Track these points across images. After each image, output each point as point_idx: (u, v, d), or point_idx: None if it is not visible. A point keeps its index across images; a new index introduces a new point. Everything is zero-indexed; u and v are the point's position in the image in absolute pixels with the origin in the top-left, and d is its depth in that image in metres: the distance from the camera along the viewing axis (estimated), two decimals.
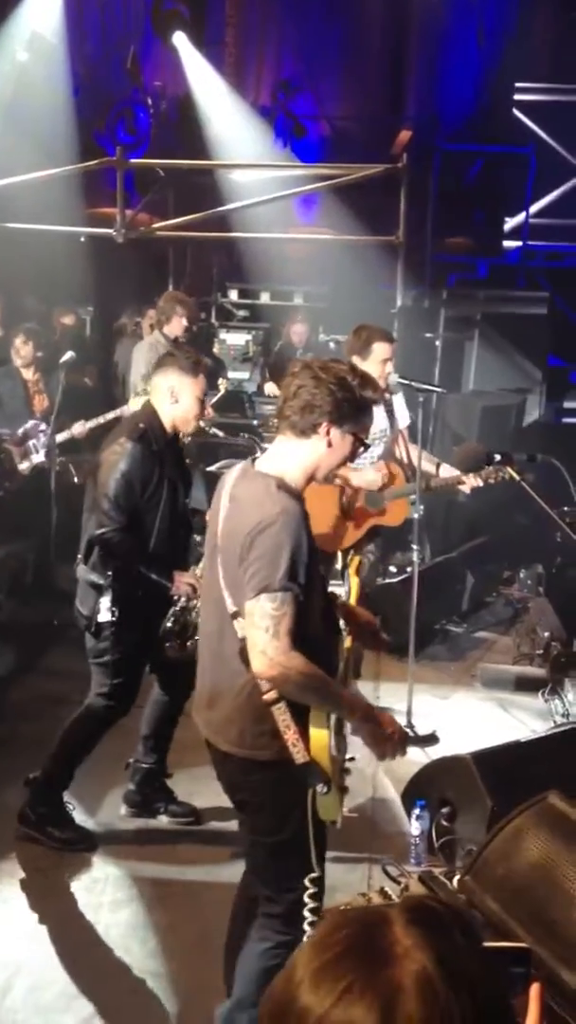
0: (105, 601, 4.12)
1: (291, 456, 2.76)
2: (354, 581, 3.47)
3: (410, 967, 0.99)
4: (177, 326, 7.43)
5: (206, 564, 2.87)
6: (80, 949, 3.60)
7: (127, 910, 3.83)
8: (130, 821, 4.44)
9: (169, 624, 4.08)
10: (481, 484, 4.93)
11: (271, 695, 2.61)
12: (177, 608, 4.09)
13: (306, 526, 2.66)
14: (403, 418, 5.35)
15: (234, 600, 2.67)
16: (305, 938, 2.56)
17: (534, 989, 1.35)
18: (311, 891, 2.67)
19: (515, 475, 3.25)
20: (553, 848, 3.40)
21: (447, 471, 5.20)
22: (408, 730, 5.30)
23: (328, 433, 2.72)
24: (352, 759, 2.88)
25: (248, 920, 3.11)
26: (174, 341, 7.51)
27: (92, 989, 3.40)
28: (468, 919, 1.10)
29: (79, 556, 4.29)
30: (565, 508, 5.59)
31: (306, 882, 2.68)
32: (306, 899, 2.68)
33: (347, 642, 3.06)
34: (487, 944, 1.16)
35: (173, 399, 4.07)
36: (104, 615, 4.12)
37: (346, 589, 3.50)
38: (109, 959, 3.55)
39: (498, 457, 3.30)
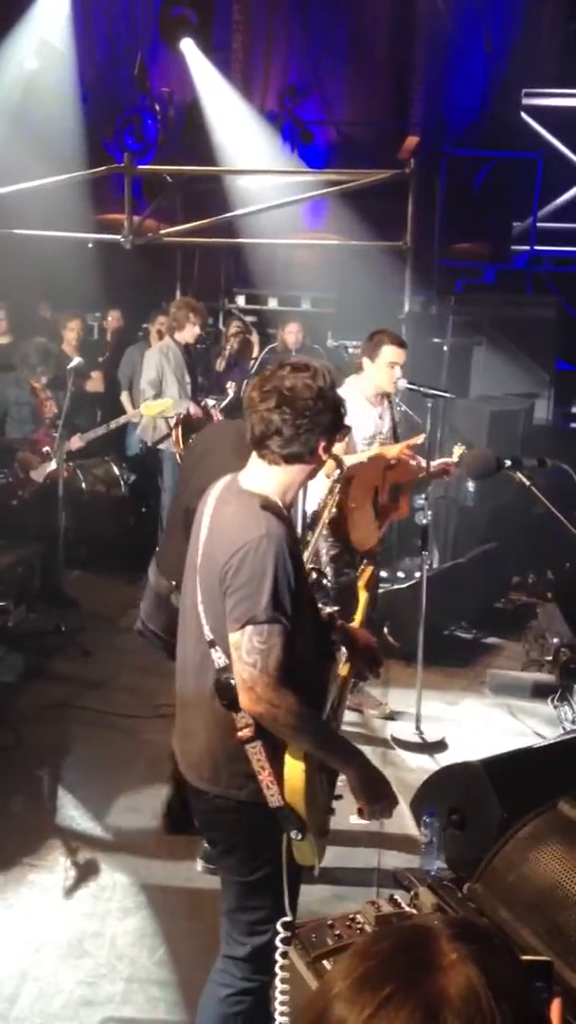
0: None
1: (283, 477, 2.60)
2: (363, 596, 3.33)
3: (456, 979, 0.97)
4: (190, 333, 7.45)
5: (185, 585, 2.69)
6: (87, 957, 3.57)
7: (135, 918, 3.80)
8: (137, 827, 4.42)
9: None
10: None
11: (246, 732, 2.44)
12: None
13: (291, 548, 2.48)
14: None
15: (212, 627, 2.51)
16: (277, 981, 2.41)
17: (556, 1004, 1.33)
18: (282, 935, 2.46)
19: (524, 480, 3.22)
20: (563, 856, 3.38)
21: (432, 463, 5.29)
22: (417, 736, 5.29)
23: (325, 449, 2.59)
24: (339, 797, 2.73)
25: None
26: (185, 347, 7.52)
27: (99, 998, 3.37)
28: (508, 937, 1.09)
29: (172, 583, 4.03)
30: None
31: (278, 926, 2.48)
32: (277, 943, 2.47)
33: (343, 669, 2.90)
34: None
35: None
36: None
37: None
38: (117, 968, 3.53)
39: (508, 462, 3.28)
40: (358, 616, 3.15)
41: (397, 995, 0.97)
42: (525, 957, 1.72)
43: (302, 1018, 1.05)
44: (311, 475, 2.68)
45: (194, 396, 7.51)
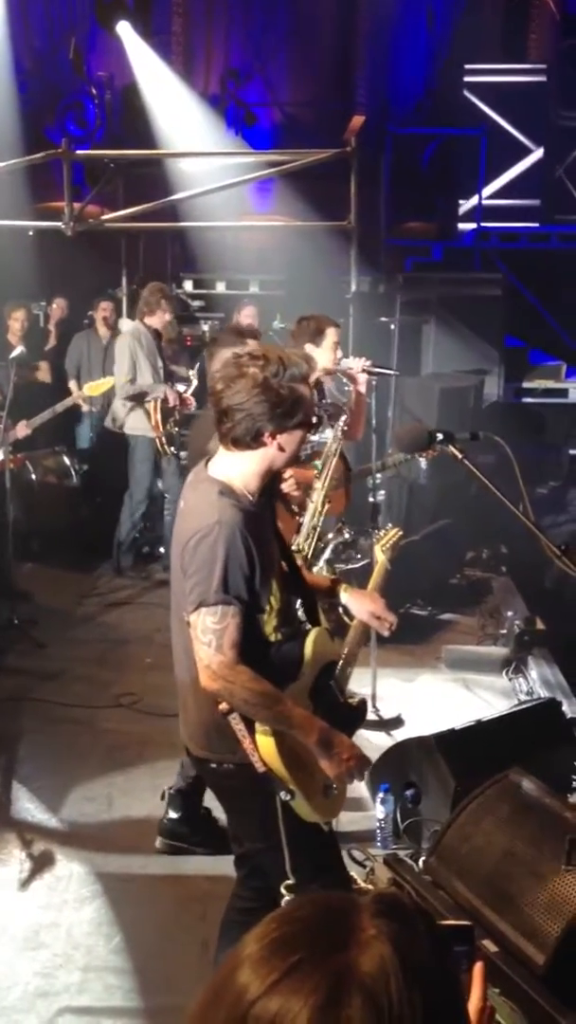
0: None
1: (240, 464, 2.65)
2: (380, 558, 3.31)
3: (370, 956, 0.94)
4: (160, 318, 7.40)
5: (171, 572, 2.82)
6: (43, 948, 3.55)
7: (90, 907, 3.78)
8: (92, 817, 4.40)
9: None
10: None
11: (224, 706, 2.57)
12: None
13: (252, 533, 2.56)
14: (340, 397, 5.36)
15: (186, 609, 2.64)
16: None
17: (478, 967, 1.32)
18: (286, 899, 2.58)
19: (457, 453, 3.23)
20: (514, 824, 3.40)
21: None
22: (373, 714, 5.29)
23: (275, 438, 2.61)
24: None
25: (240, 933, 3.01)
26: (155, 332, 7.46)
27: (55, 988, 3.35)
28: (434, 919, 1.06)
29: None
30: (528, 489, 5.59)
31: (281, 889, 2.60)
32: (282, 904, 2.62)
33: (352, 630, 3.11)
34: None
35: None
36: None
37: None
38: (73, 957, 3.51)
39: (440, 436, 3.28)
40: (373, 579, 3.25)
41: (305, 964, 0.94)
42: (447, 922, 1.72)
43: (213, 978, 1.02)
44: (275, 465, 2.68)
45: (166, 381, 7.43)
